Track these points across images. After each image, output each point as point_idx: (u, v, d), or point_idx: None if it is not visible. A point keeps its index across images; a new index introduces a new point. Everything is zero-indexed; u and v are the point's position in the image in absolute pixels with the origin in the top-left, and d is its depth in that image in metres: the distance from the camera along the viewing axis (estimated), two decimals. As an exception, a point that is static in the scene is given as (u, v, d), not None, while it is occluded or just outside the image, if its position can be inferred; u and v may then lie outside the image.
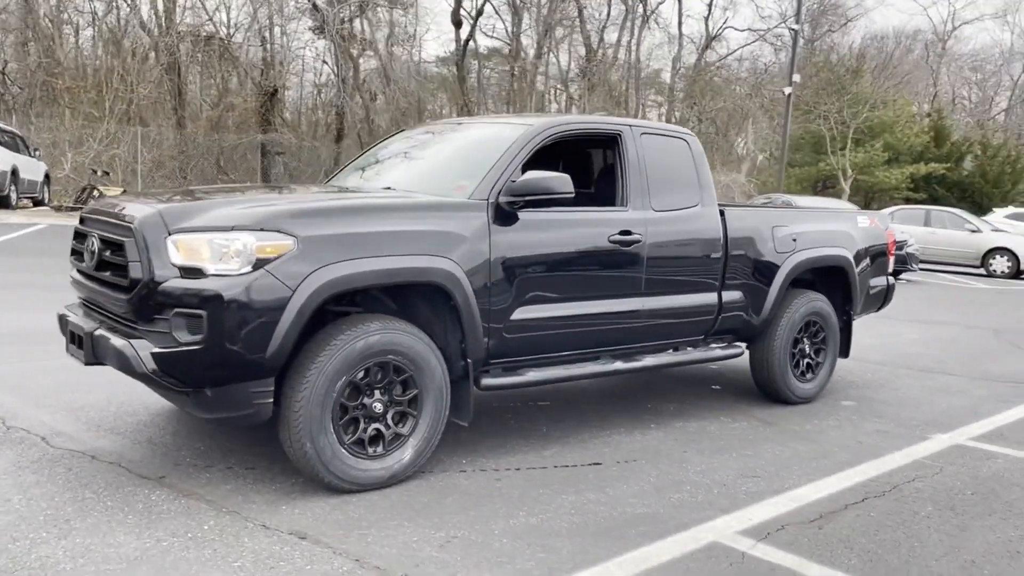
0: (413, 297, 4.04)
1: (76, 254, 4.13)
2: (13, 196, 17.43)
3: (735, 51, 39.49)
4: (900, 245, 13.68)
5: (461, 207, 4.09)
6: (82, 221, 4.14)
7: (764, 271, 5.44)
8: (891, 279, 6.57)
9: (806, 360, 5.84)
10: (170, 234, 3.45)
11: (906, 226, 17.23)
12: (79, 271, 4.09)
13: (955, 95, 47.65)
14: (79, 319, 3.91)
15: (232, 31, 28.86)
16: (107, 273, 3.70)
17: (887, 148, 32.76)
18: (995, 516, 3.89)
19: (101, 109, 23.60)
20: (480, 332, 4.03)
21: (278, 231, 3.46)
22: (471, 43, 32.57)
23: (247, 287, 3.36)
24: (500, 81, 36.52)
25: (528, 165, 4.36)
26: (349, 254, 3.59)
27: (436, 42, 64.99)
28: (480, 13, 32.32)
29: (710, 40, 37.71)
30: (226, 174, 25.81)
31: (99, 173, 20.67)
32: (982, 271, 18.89)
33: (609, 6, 35.25)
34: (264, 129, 27.38)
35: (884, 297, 6.53)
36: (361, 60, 30.25)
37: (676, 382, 6.33)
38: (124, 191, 18.62)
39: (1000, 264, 18.72)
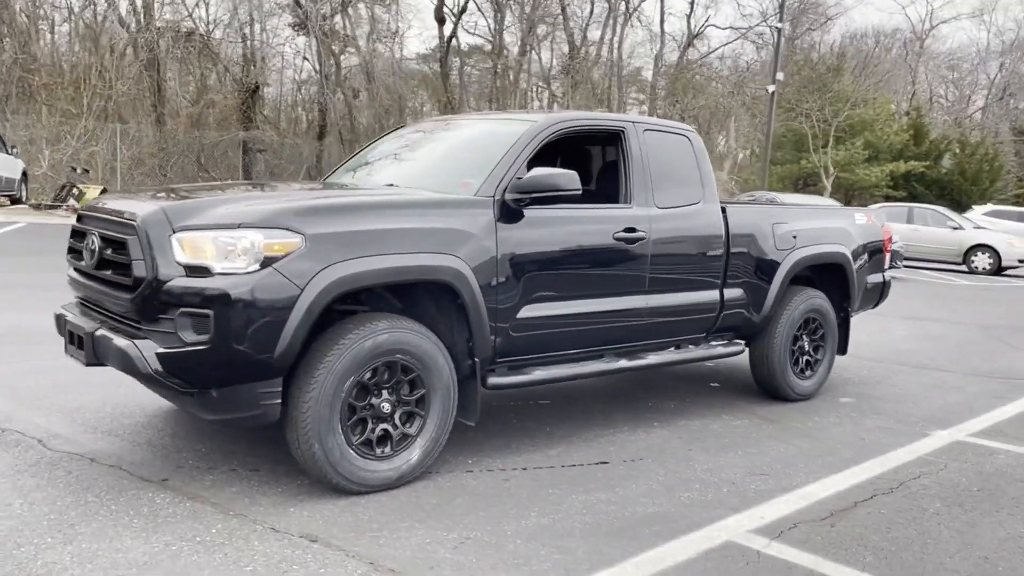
0: (419, 295, 3.98)
1: (74, 252, 4.03)
2: (-9, 194, 17.20)
3: (717, 49, 39.75)
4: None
5: (467, 204, 4.04)
6: (80, 219, 4.05)
7: (765, 268, 5.43)
8: (887, 275, 6.60)
9: (805, 357, 5.84)
10: (175, 232, 3.37)
11: (889, 223, 17.29)
12: (77, 269, 3.99)
13: (932, 93, 48.09)
14: (78, 319, 3.81)
15: (212, 27, 28.63)
16: (108, 272, 3.61)
17: (867, 146, 33.03)
18: (1003, 512, 3.90)
19: (79, 106, 23.28)
20: (487, 331, 3.98)
21: (286, 228, 3.40)
22: (453, 40, 32.48)
23: (255, 286, 3.29)
24: (481, 78, 36.44)
25: (532, 162, 4.32)
26: (357, 252, 3.53)
27: (418, 39, 64.86)
28: (463, 10, 32.24)
29: (692, 38, 37.83)
30: (207, 171, 25.56)
31: (78, 171, 20.41)
32: (964, 268, 19.06)
33: (592, 4, 35.32)
34: (245, 126, 27.16)
35: (880, 293, 6.55)
36: (343, 57, 30.09)
37: (675, 379, 6.31)
38: (104, 189, 18.38)
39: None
